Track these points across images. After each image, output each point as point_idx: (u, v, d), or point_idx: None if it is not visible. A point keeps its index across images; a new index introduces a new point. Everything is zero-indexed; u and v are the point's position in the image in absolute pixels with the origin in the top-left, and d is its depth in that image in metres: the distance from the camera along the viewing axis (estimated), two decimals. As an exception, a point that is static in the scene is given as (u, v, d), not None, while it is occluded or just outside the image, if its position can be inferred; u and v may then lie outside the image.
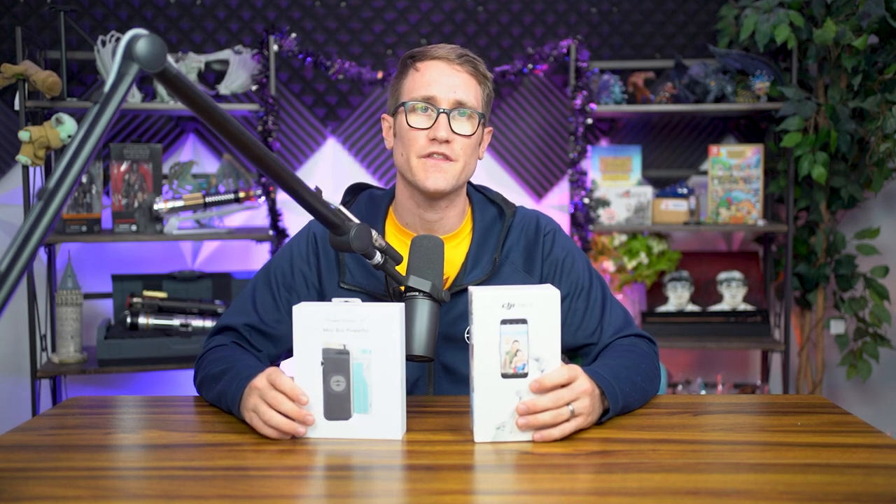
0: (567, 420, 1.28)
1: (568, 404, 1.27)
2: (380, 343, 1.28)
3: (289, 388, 1.29)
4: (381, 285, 1.56)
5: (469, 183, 1.66)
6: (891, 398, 3.45)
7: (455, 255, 1.60)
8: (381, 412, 1.29)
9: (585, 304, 1.60)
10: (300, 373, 1.31)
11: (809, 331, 3.28)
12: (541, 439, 1.27)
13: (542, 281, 1.62)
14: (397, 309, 1.29)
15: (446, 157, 1.53)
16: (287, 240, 3.00)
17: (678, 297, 3.28)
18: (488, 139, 1.66)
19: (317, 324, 1.29)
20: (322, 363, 1.29)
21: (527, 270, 1.61)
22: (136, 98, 3.00)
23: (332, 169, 3.38)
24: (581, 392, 1.29)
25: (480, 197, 1.68)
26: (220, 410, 1.47)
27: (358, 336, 1.28)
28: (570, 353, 1.64)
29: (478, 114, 1.56)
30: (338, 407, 1.30)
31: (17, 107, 2.80)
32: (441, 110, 1.53)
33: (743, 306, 3.28)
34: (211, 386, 1.47)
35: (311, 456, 1.25)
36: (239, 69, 3.07)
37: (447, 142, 1.52)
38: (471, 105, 1.55)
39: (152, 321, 2.96)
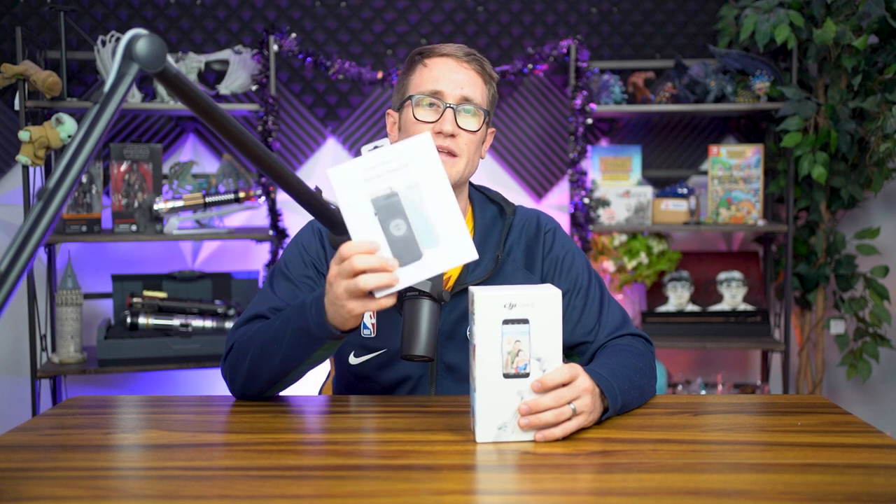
0: (569, 419, 1.28)
1: (569, 403, 1.27)
2: (423, 174, 1.24)
3: (355, 248, 1.22)
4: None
5: (469, 183, 1.67)
6: (891, 398, 3.45)
7: (456, 254, 1.61)
8: (450, 239, 1.24)
9: (584, 302, 1.61)
10: (357, 233, 1.24)
11: (809, 331, 3.28)
12: (543, 439, 1.26)
13: (542, 278, 1.62)
14: (426, 139, 1.24)
15: (450, 153, 1.54)
16: (289, 238, 3.00)
17: (678, 297, 3.28)
18: (491, 139, 1.67)
19: (357, 177, 1.24)
20: (376, 213, 1.24)
21: (528, 268, 1.62)
22: (136, 98, 3.00)
23: (332, 169, 3.38)
24: (582, 390, 1.29)
25: (481, 196, 1.68)
26: (220, 410, 1.46)
27: (399, 174, 1.24)
28: (567, 350, 1.64)
29: (483, 111, 1.57)
30: (405, 251, 1.24)
31: (17, 107, 2.80)
32: (447, 105, 1.54)
33: (743, 306, 3.28)
34: (277, 342, 1.40)
35: (311, 456, 1.25)
36: (239, 69, 3.07)
37: (452, 136, 1.54)
38: (477, 101, 1.57)
39: (152, 321, 2.96)
